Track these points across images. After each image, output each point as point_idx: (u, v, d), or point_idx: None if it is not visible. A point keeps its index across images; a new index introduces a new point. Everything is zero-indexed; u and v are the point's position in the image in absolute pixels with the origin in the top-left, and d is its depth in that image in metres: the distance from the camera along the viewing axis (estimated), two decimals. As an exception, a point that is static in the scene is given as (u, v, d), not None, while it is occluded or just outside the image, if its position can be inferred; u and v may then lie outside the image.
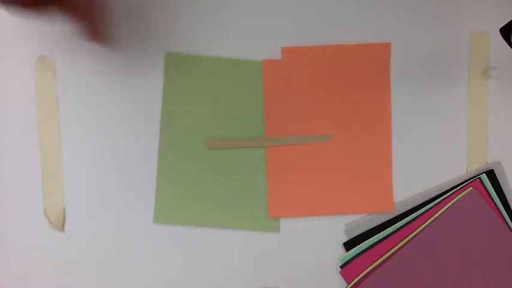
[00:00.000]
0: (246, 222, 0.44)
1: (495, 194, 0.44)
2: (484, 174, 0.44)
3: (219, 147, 0.43)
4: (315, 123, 0.44)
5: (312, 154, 0.44)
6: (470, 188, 0.43)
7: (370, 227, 0.44)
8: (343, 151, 0.44)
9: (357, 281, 0.43)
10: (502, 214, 0.43)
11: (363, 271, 0.43)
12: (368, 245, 0.43)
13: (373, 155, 0.44)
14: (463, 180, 0.44)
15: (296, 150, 0.44)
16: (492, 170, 0.44)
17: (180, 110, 0.44)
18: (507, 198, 0.44)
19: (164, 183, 0.44)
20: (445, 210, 0.43)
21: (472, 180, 0.44)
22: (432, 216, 0.43)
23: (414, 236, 0.43)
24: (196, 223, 0.44)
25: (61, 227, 0.44)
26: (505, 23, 0.39)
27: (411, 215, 0.44)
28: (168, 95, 0.43)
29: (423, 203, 0.44)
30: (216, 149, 0.43)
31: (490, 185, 0.44)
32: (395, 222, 0.44)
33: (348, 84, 0.44)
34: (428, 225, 0.43)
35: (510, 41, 0.40)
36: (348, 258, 0.43)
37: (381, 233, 0.43)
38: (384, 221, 0.44)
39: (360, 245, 0.43)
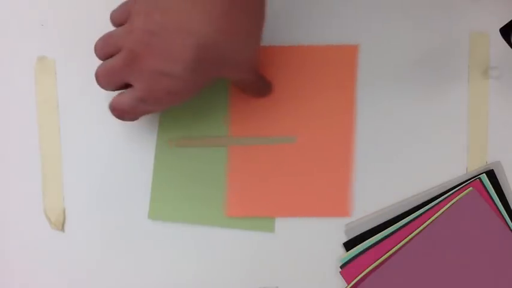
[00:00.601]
0: (240, 221, 0.44)
1: (495, 194, 0.44)
2: (484, 174, 0.44)
3: (183, 145, 0.43)
4: (280, 124, 0.44)
5: (275, 155, 0.44)
6: (470, 188, 0.43)
7: (370, 227, 0.44)
8: (305, 153, 0.44)
9: (357, 281, 0.43)
10: (502, 214, 0.43)
11: (363, 271, 0.43)
12: (368, 245, 0.43)
13: (334, 159, 0.44)
14: (463, 180, 0.44)
15: (259, 151, 0.44)
16: (492, 170, 0.44)
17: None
18: (507, 198, 0.44)
19: (160, 180, 0.44)
20: (445, 210, 0.43)
21: (472, 180, 0.44)
22: (432, 216, 0.43)
23: (414, 236, 0.43)
24: (191, 221, 0.43)
25: (61, 227, 0.44)
26: (505, 23, 0.39)
27: (411, 215, 0.44)
28: None
29: (423, 203, 0.44)
30: (181, 147, 0.43)
31: (490, 185, 0.44)
32: (396, 222, 0.44)
33: (314, 85, 0.44)
34: (428, 225, 0.43)
35: (510, 41, 0.40)
36: (348, 258, 0.43)
37: (380, 233, 0.43)
38: (384, 221, 0.44)
39: (360, 245, 0.43)
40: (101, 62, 0.39)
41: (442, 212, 0.43)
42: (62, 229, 0.44)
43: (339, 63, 0.44)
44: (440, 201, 0.44)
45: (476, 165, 0.44)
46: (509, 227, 0.43)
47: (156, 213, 0.44)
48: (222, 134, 0.44)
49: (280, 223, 0.44)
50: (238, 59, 0.37)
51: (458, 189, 0.44)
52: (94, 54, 0.39)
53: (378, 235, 0.43)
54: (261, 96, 0.44)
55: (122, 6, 0.38)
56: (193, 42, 0.34)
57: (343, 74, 0.44)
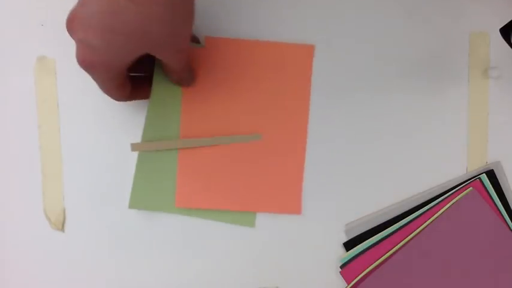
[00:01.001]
0: (220, 214, 0.44)
1: (495, 194, 0.44)
2: (484, 174, 0.44)
3: (141, 149, 0.43)
4: (233, 123, 0.43)
5: (228, 152, 0.43)
6: (470, 188, 0.43)
7: (370, 227, 0.44)
8: (258, 151, 0.44)
9: (356, 281, 0.43)
10: (502, 214, 0.43)
11: (363, 271, 0.43)
12: (368, 245, 0.43)
13: (287, 157, 0.44)
14: (463, 180, 0.44)
15: (209, 148, 0.43)
16: (492, 170, 0.44)
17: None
18: (507, 198, 0.44)
19: (142, 171, 0.43)
20: (445, 210, 0.43)
21: (472, 180, 0.44)
22: (432, 216, 0.43)
23: (414, 236, 0.43)
24: (173, 211, 0.43)
25: (61, 227, 0.44)
26: (505, 23, 0.39)
27: (411, 215, 0.44)
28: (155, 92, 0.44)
29: (423, 203, 0.44)
30: (140, 151, 0.43)
31: (490, 185, 0.44)
32: (395, 222, 0.44)
33: (269, 83, 0.44)
34: (428, 225, 0.43)
35: (510, 41, 0.40)
36: (348, 258, 0.43)
37: (380, 233, 0.43)
38: (384, 221, 0.44)
39: (360, 245, 0.43)
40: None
41: (442, 212, 0.43)
42: (62, 229, 0.44)
43: (296, 62, 0.44)
44: (440, 201, 0.44)
45: (476, 165, 0.44)
46: (509, 227, 0.43)
47: (136, 203, 0.43)
48: (175, 136, 0.43)
49: (281, 223, 0.44)
50: (161, 35, 0.34)
51: (458, 189, 0.44)
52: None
53: (378, 235, 0.43)
54: (181, 86, 0.43)
55: None
56: (106, 9, 0.32)
57: (299, 72, 0.44)
